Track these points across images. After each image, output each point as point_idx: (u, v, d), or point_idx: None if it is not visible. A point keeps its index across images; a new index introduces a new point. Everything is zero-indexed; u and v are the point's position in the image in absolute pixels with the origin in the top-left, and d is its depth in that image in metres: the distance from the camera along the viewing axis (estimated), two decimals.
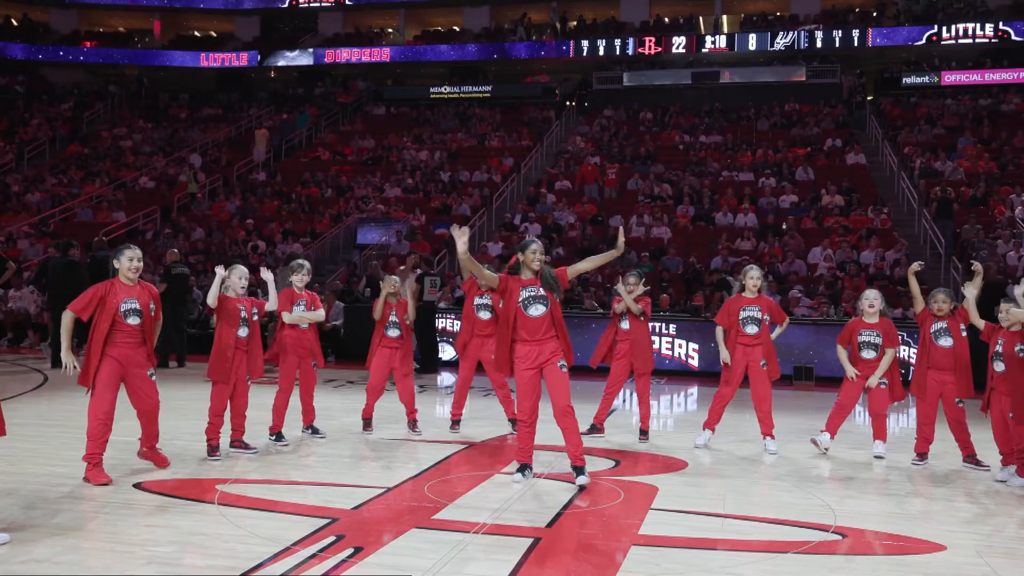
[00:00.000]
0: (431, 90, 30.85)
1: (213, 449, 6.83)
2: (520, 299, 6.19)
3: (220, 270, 6.85)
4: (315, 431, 7.88)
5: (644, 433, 8.23)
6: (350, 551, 4.59)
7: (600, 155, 25.30)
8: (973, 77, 27.44)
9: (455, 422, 8.42)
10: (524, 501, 5.77)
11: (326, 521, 5.14)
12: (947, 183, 21.33)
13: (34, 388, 10.83)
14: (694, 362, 14.14)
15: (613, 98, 29.27)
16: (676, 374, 14.10)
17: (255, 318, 7.04)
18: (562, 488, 6.14)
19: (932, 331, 7.34)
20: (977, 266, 7.39)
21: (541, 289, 6.22)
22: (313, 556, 4.48)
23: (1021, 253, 17.63)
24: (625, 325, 8.14)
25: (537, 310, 6.17)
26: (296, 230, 21.27)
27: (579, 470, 6.14)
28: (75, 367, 6.03)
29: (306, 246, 20.41)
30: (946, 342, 7.27)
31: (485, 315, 8.28)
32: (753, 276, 7.85)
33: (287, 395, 7.59)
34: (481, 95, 30.51)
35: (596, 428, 8.38)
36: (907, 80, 27.93)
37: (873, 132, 25.60)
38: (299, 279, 7.67)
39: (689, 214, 21.41)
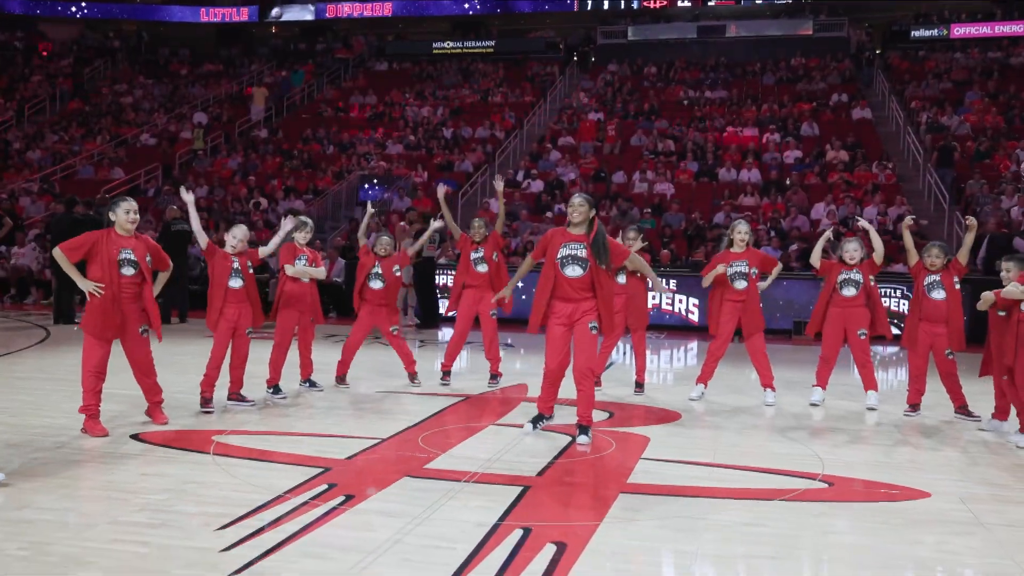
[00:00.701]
0: (434, 45, 30.54)
1: (206, 401, 6.89)
2: (558, 255, 6.04)
3: (189, 196, 6.88)
4: (312, 384, 7.94)
5: (639, 386, 8.29)
6: (341, 499, 4.65)
7: (603, 111, 25.13)
8: (983, 30, 27.02)
9: (445, 374, 8.50)
10: (516, 452, 5.83)
11: (319, 470, 5.20)
12: (953, 137, 21.16)
13: (37, 343, 10.91)
14: (694, 317, 14.16)
15: (617, 53, 28.93)
16: (676, 329, 14.14)
17: (250, 270, 7.06)
18: (556, 439, 6.19)
19: (925, 283, 7.37)
20: (971, 221, 7.41)
21: (584, 249, 6.02)
22: (305, 503, 4.55)
23: None
24: (621, 280, 8.15)
25: (574, 271, 6.01)
26: (298, 187, 21.23)
27: (584, 429, 6.13)
28: (98, 290, 6.00)
29: (308, 203, 20.38)
30: (938, 295, 7.31)
31: (482, 268, 8.31)
32: (741, 231, 7.81)
33: (284, 349, 7.64)
34: (484, 50, 30.19)
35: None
36: (915, 33, 27.53)
37: (880, 87, 25.31)
38: (302, 236, 7.73)
39: (692, 170, 21.30)
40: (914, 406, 7.54)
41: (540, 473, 5.31)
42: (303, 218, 7.92)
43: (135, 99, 26.90)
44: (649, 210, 18.98)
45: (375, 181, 21.58)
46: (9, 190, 20.69)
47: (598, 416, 7.10)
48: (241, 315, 6.95)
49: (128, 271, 6.09)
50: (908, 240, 7.60)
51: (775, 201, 19.29)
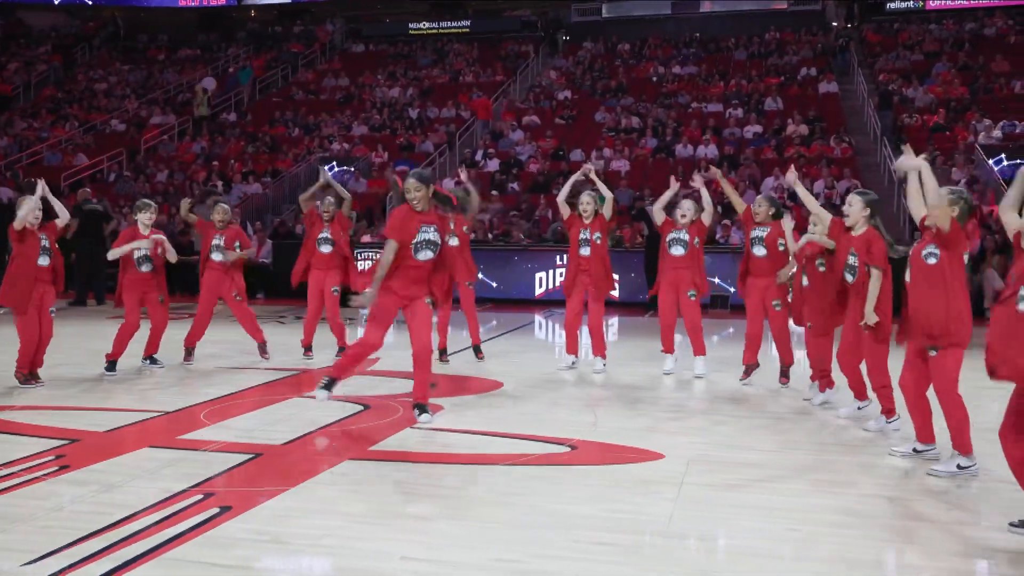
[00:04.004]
0: (410, 26, 30.54)
1: (25, 378, 7.05)
2: (414, 240, 5.77)
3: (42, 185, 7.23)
4: (154, 361, 8.07)
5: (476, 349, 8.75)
6: (55, 468, 4.79)
7: (571, 88, 25.06)
8: (959, 1, 26.55)
9: (307, 349, 8.64)
10: (290, 422, 5.95)
11: (62, 443, 5.34)
12: (916, 110, 20.89)
13: None
14: (615, 292, 14.13)
15: (592, 30, 28.79)
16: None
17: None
18: (336, 408, 6.25)
19: (752, 236, 7.32)
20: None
21: (434, 232, 5.84)
22: (25, 471, 4.69)
23: (977, 177, 17.33)
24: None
25: (425, 255, 5.81)
26: (258, 170, 21.39)
27: (421, 407, 6.01)
28: None
29: (265, 186, 20.57)
30: (760, 251, 7.25)
31: (326, 248, 8.43)
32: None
33: (132, 328, 7.76)
34: (460, 30, 30.15)
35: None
36: (891, 5, 27.12)
37: (850, 60, 25.00)
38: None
39: (651, 146, 21.21)
40: (748, 367, 7.51)
41: (287, 442, 5.42)
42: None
43: (109, 85, 27.17)
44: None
45: (334, 163, 21.70)
46: None
47: None
48: (42, 293, 7.12)
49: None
50: (727, 187, 7.62)
51: (728, 175, 19.17)
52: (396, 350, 8.00)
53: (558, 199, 8.28)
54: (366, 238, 15.07)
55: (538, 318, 13.32)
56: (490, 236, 16.54)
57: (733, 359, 8.02)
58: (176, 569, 3.45)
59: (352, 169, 21.01)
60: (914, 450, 5.29)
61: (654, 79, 25.20)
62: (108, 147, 23.04)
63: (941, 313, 4.83)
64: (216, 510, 4.11)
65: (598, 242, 7.97)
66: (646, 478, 4.79)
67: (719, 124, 21.87)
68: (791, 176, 6.65)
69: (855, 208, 5.83)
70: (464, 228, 8.56)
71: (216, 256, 8.30)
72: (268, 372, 7.97)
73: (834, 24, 27.72)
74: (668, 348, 7.95)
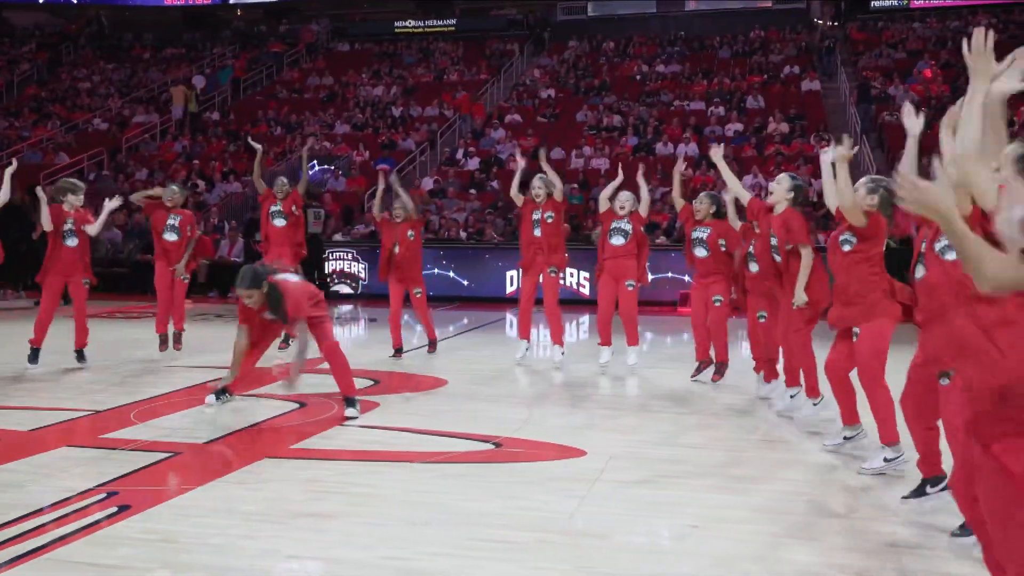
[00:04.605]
0: (395, 25, 30.49)
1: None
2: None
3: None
4: (80, 356, 8.01)
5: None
6: None
7: (555, 87, 25.03)
8: None
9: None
10: (218, 422, 5.91)
11: None
12: (898, 108, 20.83)
13: None
14: (585, 290, 14.16)
15: (577, 29, 28.76)
16: (567, 303, 14.10)
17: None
18: (270, 406, 6.23)
19: (692, 237, 7.30)
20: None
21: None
22: None
23: None
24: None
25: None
26: (238, 169, 21.35)
27: (350, 401, 6.05)
28: None
29: (246, 184, 20.51)
30: (701, 252, 7.23)
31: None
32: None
33: (48, 315, 7.77)
34: (445, 29, 30.11)
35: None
36: (876, 3, 27.08)
37: (833, 58, 24.98)
38: (74, 199, 7.98)
39: (631, 145, 21.18)
40: (701, 364, 7.48)
41: (209, 441, 5.39)
42: (73, 181, 8.19)
43: (93, 84, 27.13)
44: (576, 186, 18.91)
45: (315, 161, 21.65)
46: None
47: (362, 383, 7.16)
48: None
49: None
50: (676, 184, 7.60)
51: (706, 174, 19.14)
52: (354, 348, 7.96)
53: (511, 193, 8.44)
54: (338, 236, 15.03)
55: (509, 316, 13.26)
56: (463, 235, 16.51)
57: (686, 356, 7.99)
58: (53, 570, 3.43)
59: (332, 167, 20.96)
60: (844, 438, 5.27)
61: (638, 78, 25.17)
62: (89, 146, 23.00)
63: (856, 298, 4.83)
64: (114, 509, 4.08)
65: (549, 221, 8.18)
66: (561, 475, 4.77)
67: (700, 122, 21.84)
68: (715, 151, 6.66)
69: (781, 187, 5.84)
70: (408, 234, 8.59)
71: (169, 236, 8.41)
72: (211, 371, 7.93)
73: (818, 22, 27.67)
74: (605, 340, 7.93)
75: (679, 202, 7.63)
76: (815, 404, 5.89)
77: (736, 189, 6.46)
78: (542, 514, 4.11)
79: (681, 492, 4.50)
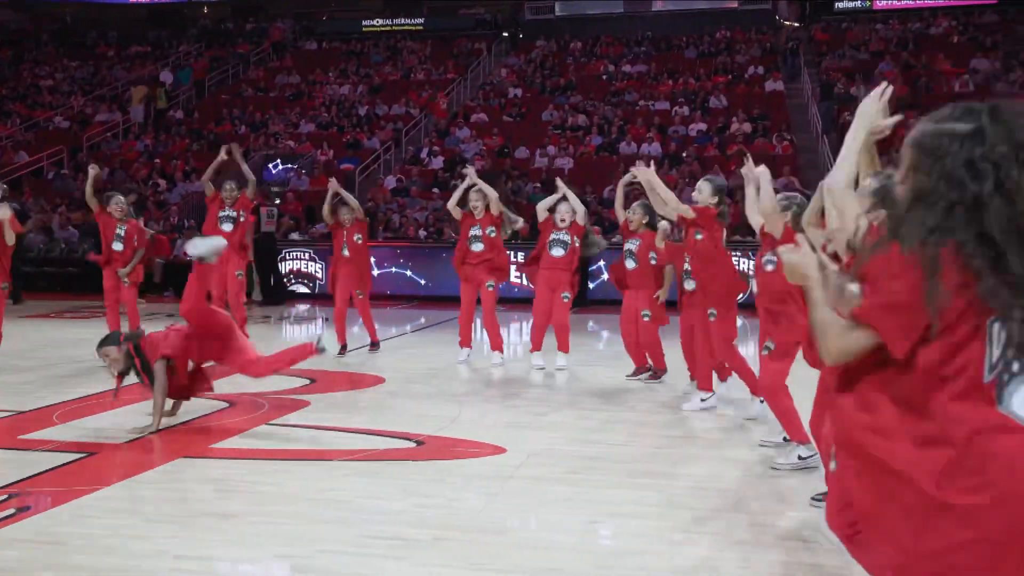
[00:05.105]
0: (363, 23, 30.40)
1: None
2: None
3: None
4: None
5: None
6: None
7: (522, 86, 25.05)
8: (906, 1, 26.79)
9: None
10: (142, 422, 5.83)
11: None
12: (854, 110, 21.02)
13: None
14: None
15: (545, 29, 28.79)
16: (523, 301, 14.13)
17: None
18: (199, 404, 6.18)
19: (625, 248, 7.32)
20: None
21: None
22: None
23: None
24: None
25: None
26: (200, 168, 21.17)
27: None
28: None
29: None
30: (630, 264, 7.24)
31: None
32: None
33: None
34: (413, 28, 30.06)
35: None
36: (840, 5, 27.32)
37: (797, 59, 25.16)
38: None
39: (595, 144, 21.24)
40: (637, 369, 7.51)
41: (129, 441, 5.34)
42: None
43: (55, 82, 26.84)
44: (539, 184, 18.93)
45: (279, 160, 21.57)
46: None
47: (298, 382, 7.14)
48: None
49: None
50: (619, 194, 7.53)
51: (668, 173, 19.21)
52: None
53: (448, 205, 8.47)
54: (294, 235, 14.96)
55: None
56: (422, 234, 16.48)
57: (624, 354, 7.99)
58: None
59: (294, 166, 20.86)
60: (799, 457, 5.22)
61: (604, 77, 25.24)
62: (49, 144, 22.77)
63: (782, 316, 4.89)
64: (12, 511, 4.04)
65: (492, 235, 8.12)
66: (477, 473, 4.78)
67: (665, 122, 21.94)
68: (643, 173, 6.45)
69: (703, 194, 5.90)
70: (356, 237, 8.59)
71: (116, 246, 8.41)
72: None
73: (784, 22, 27.87)
74: (537, 347, 7.95)
75: (621, 213, 7.49)
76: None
77: (664, 195, 6.39)
78: (446, 512, 4.11)
79: (590, 488, 4.51)
